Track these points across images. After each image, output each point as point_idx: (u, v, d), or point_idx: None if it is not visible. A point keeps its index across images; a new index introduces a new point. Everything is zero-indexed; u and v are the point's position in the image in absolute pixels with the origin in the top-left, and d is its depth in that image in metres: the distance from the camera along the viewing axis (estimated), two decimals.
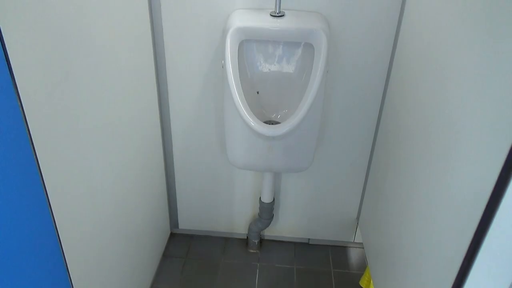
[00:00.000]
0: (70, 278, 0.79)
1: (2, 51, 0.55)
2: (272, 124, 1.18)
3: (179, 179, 1.50)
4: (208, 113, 1.34)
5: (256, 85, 1.23)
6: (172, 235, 1.63)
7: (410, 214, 0.95)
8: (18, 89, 0.59)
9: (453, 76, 0.77)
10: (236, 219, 1.58)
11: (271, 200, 1.43)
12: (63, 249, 0.75)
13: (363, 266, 1.53)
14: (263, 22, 1.11)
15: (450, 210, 0.75)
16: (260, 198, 1.44)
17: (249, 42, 1.16)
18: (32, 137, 0.64)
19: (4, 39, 0.55)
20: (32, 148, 0.64)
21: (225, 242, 1.61)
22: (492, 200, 0.58)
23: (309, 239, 1.62)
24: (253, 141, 1.15)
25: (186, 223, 1.61)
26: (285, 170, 1.33)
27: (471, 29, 0.71)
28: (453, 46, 0.78)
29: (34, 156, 0.64)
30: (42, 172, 0.67)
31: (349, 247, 1.61)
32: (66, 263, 0.77)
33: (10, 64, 0.57)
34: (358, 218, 1.53)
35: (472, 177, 0.67)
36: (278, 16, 1.11)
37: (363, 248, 1.55)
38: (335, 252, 1.58)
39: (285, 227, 1.59)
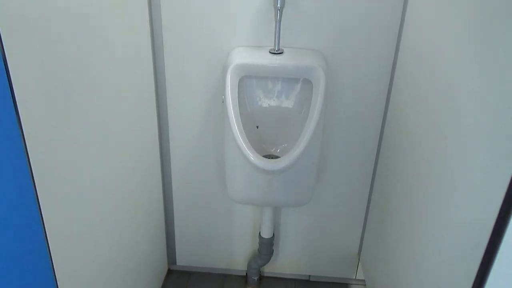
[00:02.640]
0: None
1: (10, 92, 0.56)
2: (272, 158, 1.19)
3: (178, 214, 1.49)
4: (208, 148, 1.35)
5: (256, 119, 1.24)
6: (170, 272, 1.59)
7: (413, 249, 0.94)
8: (22, 126, 0.60)
9: (451, 110, 0.78)
10: (235, 255, 1.55)
11: (271, 236, 1.41)
12: (58, 285, 0.73)
13: None
14: (263, 59, 1.14)
15: (454, 244, 0.74)
16: (259, 233, 1.42)
17: (249, 78, 1.19)
18: (33, 171, 0.64)
19: (12, 80, 0.57)
20: (32, 182, 0.64)
21: (223, 279, 1.57)
22: (495, 233, 0.57)
23: (309, 275, 1.58)
24: (253, 175, 1.15)
25: (184, 260, 1.58)
26: (285, 204, 1.32)
27: (469, 66, 0.73)
28: (450, 82, 0.80)
29: (34, 191, 0.64)
30: (41, 207, 0.66)
31: (351, 284, 1.57)
32: None
33: (16, 103, 0.58)
34: (359, 253, 1.50)
35: (473, 210, 0.67)
36: (277, 54, 1.15)
37: (365, 285, 1.51)
38: None
39: (285, 263, 1.56)
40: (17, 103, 0.59)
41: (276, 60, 1.13)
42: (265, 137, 1.25)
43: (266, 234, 1.40)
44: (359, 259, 1.51)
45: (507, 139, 0.58)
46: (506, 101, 0.59)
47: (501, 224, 0.56)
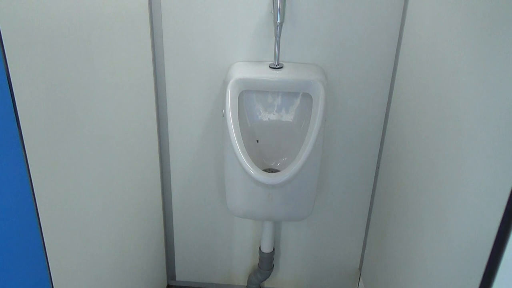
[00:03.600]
0: None
1: (11, 103, 0.56)
2: (272, 172, 1.19)
3: (178, 229, 1.48)
4: (208, 162, 1.35)
5: (256, 133, 1.25)
6: None
7: (415, 263, 0.93)
8: (24, 139, 0.60)
9: (451, 123, 0.78)
10: (235, 270, 1.54)
11: (271, 250, 1.40)
12: None
13: None
14: (263, 73, 1.15)
15: (456, 258, 0.73)
16: (259, 248, 1.41)
17: (249, 92, 1.20)
18: (34, 189, 0.64)
19: (14, 91, 0.57)
20: (32, 196, 0.64)
21: None
22: (495, 247, 0.57)
23: None
24: (253, 189, 1.14)
25: (183, 275, 1.57)
26: (285, 218, 1.31)
27: (467, 78, 0.74)
28: (449, 94, 0.80)
29: (35, 208, 0.64)
30: (41, 221, 0.66)
31: None
32: None
33: (18, 116, 0.58)
34: (360, 268, 1.49)
35: (474, 223, 0.67)
36: (277, 68, 1.16)
37: None
38: None
39: (286, 278, 1.54)
40: (19, 115, 0.59)
41: (276, 74, 1.14)
42: (265, 151, 1.25)
43: (266, 249, 1.39)
44: (360, 274, 1.50)
45: (508, 149, 0.58)
46: (506, 110, 0.59)
47: (502, 238, 0.56)
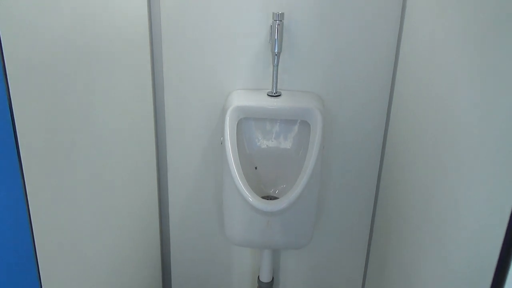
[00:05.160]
0: None
1: (13, 135, 0.57)
2: (271, 199, 1.18)
3: (175, 257, 1.46)
4: (206, 189, 1.35)
5: (254, 160, 1.25)
6: None
7: None
8: (24, 170, 0.61)
9: (450, 143, 0.79)
10: None
11: (270, 279, 1.38)
12: None
13: None
14: (261, 101, 1.16)
15: (457, 283, 0.72)
16: (258, 277, 1.38)
17: (247, 120, 1.21)
18: (31, 216, 0.63)
19: (16, 121, 0.58)
20: (30, 229, 0.63)
21: None
22: (499, 268, 0.56)
23: None
24: (251, 216, 1.14)
25: None
26: (284, 246, 1.30)
27: (462, 103, 0.75)
28: (448, 115, 0.81)
29: (31, 233, 0.64)
30: (36, 249, 0.65)
31: None
32: None
33: (19, 147, 0.59)
34: None
35: (475, 247, 0.66)
36: (275, 96, 1.18)
37: None
38: None
39: None
40: (20, 145, 0.59)
41: (274, 102, 1.16)
42: (264, 178, 1.25)
43: (265, 278, 1.37)
44: None
45: (509, 154, 0.57)
46: (506, 131, 0.59)
47: (504, 260, 0.55)
